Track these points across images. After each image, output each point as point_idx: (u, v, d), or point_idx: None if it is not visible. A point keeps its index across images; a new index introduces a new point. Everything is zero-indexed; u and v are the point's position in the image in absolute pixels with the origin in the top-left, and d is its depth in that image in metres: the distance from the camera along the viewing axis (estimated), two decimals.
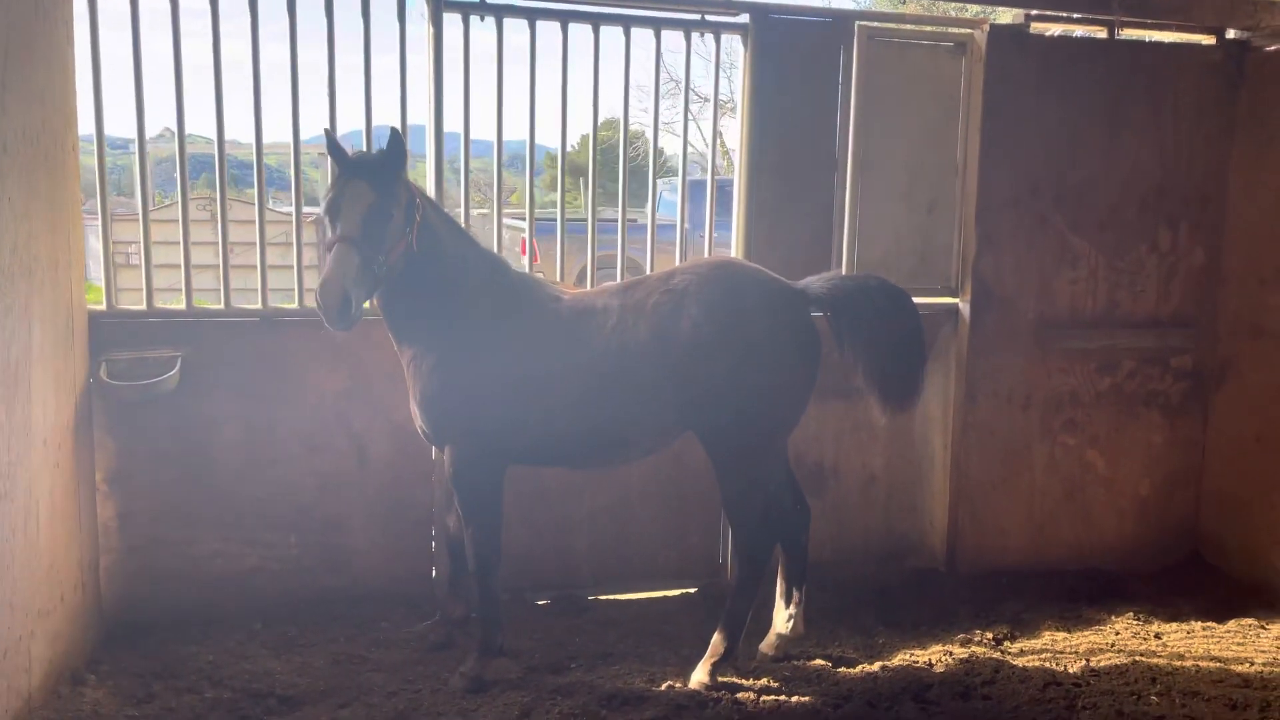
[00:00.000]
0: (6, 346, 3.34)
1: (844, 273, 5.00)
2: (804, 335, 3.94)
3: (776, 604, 4.34)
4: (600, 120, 4.96)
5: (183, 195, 4.43)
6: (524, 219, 5.27)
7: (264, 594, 4.60)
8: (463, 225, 4.25)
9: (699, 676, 3.97)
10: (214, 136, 4.51)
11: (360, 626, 4.52)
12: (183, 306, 4.50)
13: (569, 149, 5.04)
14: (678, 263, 4.95)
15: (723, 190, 5.48)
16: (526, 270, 4.49)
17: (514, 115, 4.80)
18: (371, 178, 3.67)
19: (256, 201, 4.62)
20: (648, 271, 4.93)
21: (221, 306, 4.52)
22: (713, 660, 3.99)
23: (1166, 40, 5.35)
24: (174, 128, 4.40)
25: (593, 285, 4.75)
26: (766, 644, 4.33)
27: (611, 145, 4.91)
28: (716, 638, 4.04)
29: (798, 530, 4.27)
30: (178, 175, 4.39)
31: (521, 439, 3.97)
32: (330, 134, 3.96)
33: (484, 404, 3.90)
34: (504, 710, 3.72)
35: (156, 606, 4.46)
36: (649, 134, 4.63)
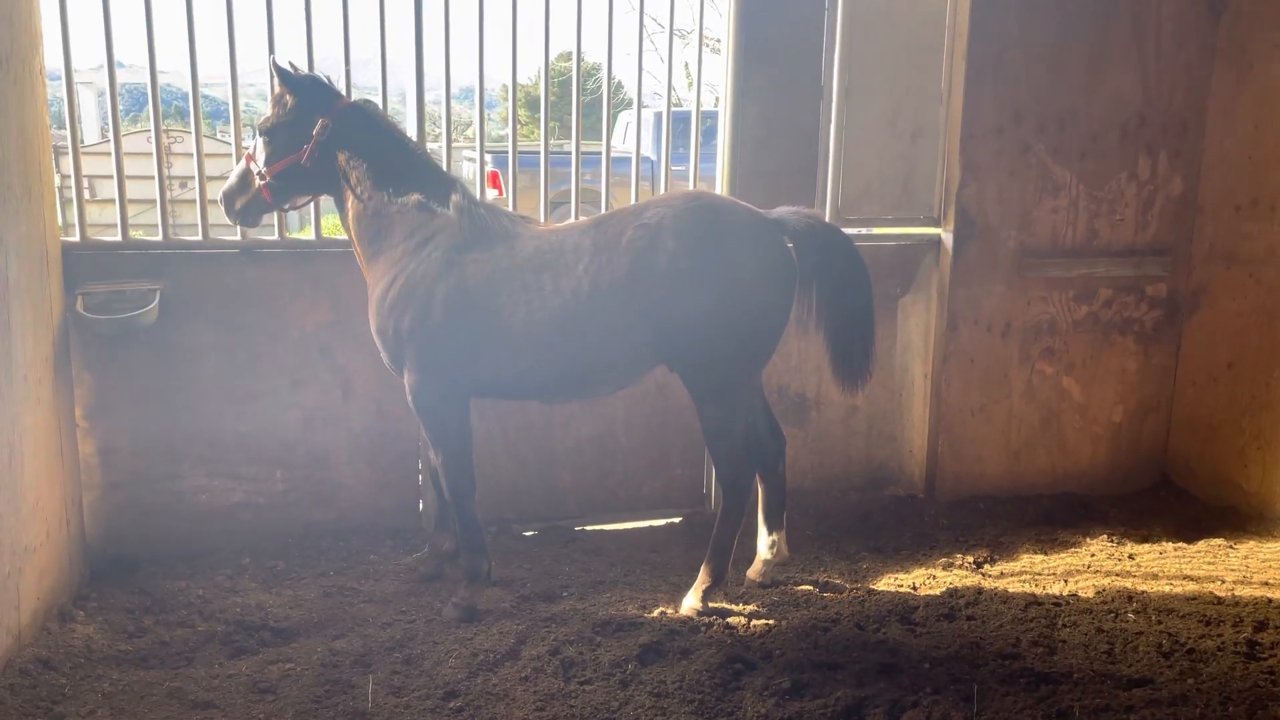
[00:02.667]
0: None
1: (830, 214, 5.01)
2: (780, 265, 3.89)
3: (759, 531, 4.40)
4: (556, 54, 4.84)
5: (155, 125, 4.29)
6: (493, 151, 5.15)
7: (250, 529, 4.58)
8: (426, 154, 4.17)
9: (690, 603, 4.03)
10: (165, 67, 4.35)
11: (349, 559, 4.53)
12: (159, 238, 4.38)
13: (524, 82, 4.91)
14: (634, 196, 4.97)
15: (681, 121, 5.41)
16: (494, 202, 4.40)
17: (466, 46, 4.69)
18: (272, 101, 4.02)
19: (233, 132, 4.49)
20: (604, 204, 4.90)
21: (200, 238, 4.42)
22: (703, 587, 4.05)
23: None
24: (127, 60, 4.23)
25: (545, 218, 4.71)
26: (753, 570, 4.40)
27: (569, 78, 4.77)
28: (705, 566, 4.09)
29: (774, 458, 4.30)
30: (151, 107, 4.24)
31: (482, 372, 3.95)
32: (271, 59, 4.04)
33: (436, 335, 3.86)
34: (499, 638, 3.76)
35: (141, 542, 4.43)
36: (605, 66, 4.51)
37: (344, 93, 4.19)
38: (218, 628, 3.86)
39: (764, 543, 4.37)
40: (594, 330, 3.82)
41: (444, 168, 4.28)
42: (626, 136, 14.06)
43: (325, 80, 4.06)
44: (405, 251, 3.92)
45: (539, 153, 4.91)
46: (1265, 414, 5.14)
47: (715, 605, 4.03)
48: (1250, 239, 5.17)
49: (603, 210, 4.86)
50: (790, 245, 3.93)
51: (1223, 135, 5.28)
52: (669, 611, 4.04)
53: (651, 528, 5.12)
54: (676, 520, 5.17)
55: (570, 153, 4.97)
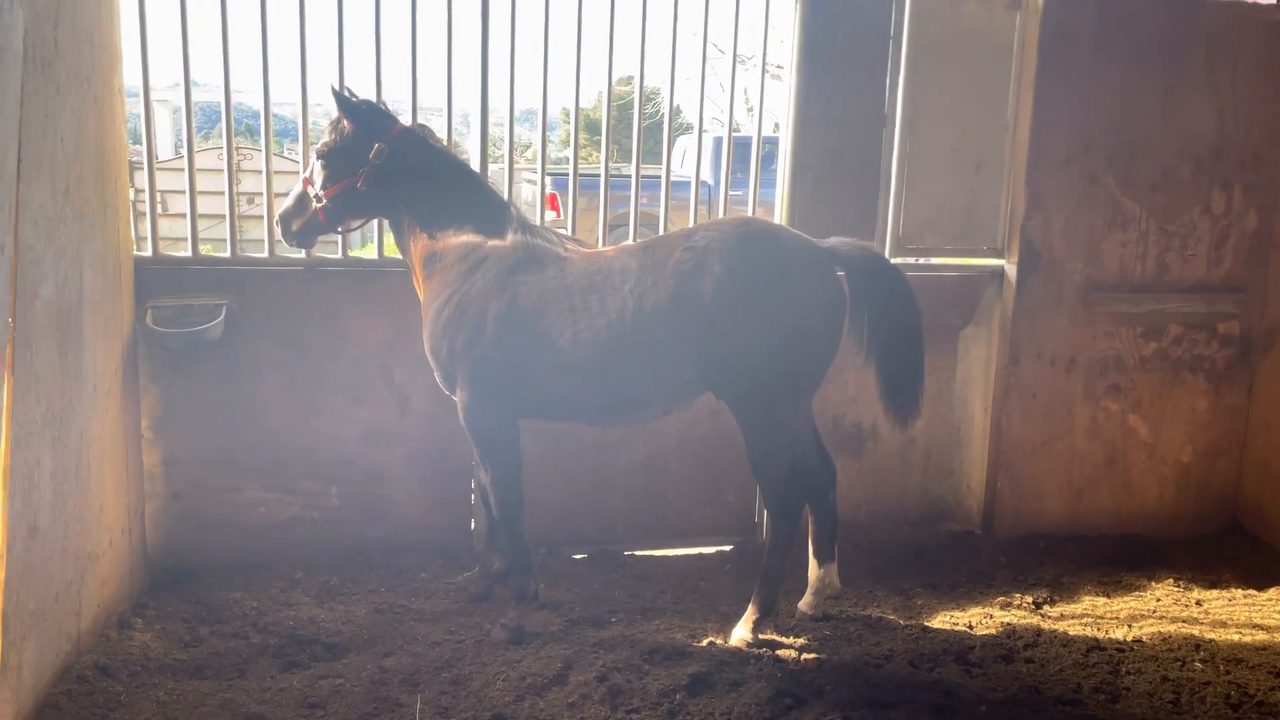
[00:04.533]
0: (59, 291, 3.34)
1: (890, 244, 4.97)
2: (830, 295, 3.84)
3: (810, 563, 4.33)
4: (617, 77, 4.87)
5: (228, 144, 4.39)
6: (553, 174, 5.17)
7: (305, 543, 4.63)
8: (481, 177, 4.23)
9: (740, 634, 3.97)
10: (237, 86, 4.46)
11: (400, 576, 4.55)
12: (228, 255, 4.48)
13: (587, 105, 4.94)
14: (692, 220, 4.96)
15: (740, 146, 5.40)
16: (547, 224, 4.43)
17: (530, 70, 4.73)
18: (330, 125, 4.09)
19: (300, 153, 4.57)
20: (662, 228, 4.89)
21: (266, 255, 4.51)
22: (753, 619, 4.00)
23: None
24: (201, 79, 4.36)
25: (605, 241, 4.73)
26: (804, 603, 4.33)
27: (630, 101, 4.78)
28: (755, 596, 4.03)
29: (824, 488, 4.22)
30: (224, 125, 4.34)
31: (531, 393, 3.95)
32: (334, 88, 4.11)
33: (488, 355, 3.88)
34: (547, 662, 3.74)
35: (199, 553, 4.50)
36: (666, 89, 4.54)
37: (411, 115, 4.25)
38: (270, 640, 3.90)
39: (815, 575, 4.30)
40: (638, 353, 3.80)
41: (498, 190, 4.31)
42: (684, 161, 14.14)
43: (382, 106, 4.14)
44: (459, 273, 3.96)
45: (599, 175, 4.94)
46: None
47: (765, 637, 3.98)
48: None
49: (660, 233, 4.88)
50: (841, 275, 3.90)
51: None
52: (718, 642, 3.99)
53: (701, 555, 5.07)
54: (727, 548, 5.11)
55: (629, 176, 4.99)
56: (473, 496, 4.84)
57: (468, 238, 4.00)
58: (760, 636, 3.96)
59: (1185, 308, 5.22)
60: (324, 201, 4.06)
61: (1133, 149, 5.05)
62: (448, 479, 4.81)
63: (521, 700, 3.49)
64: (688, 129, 12.79)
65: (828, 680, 3.65)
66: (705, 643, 3.97)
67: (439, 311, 3.96)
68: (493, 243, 3.98)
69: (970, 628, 4.23)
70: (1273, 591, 4.70)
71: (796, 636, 4.09)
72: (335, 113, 4.05)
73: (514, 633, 3.96)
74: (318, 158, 4.07)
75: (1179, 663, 3.90)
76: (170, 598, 4.24)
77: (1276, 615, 4.43)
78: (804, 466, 4.10)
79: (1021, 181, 5.01)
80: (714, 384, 3.91)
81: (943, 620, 4.30)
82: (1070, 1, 4.87)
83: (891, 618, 4.32)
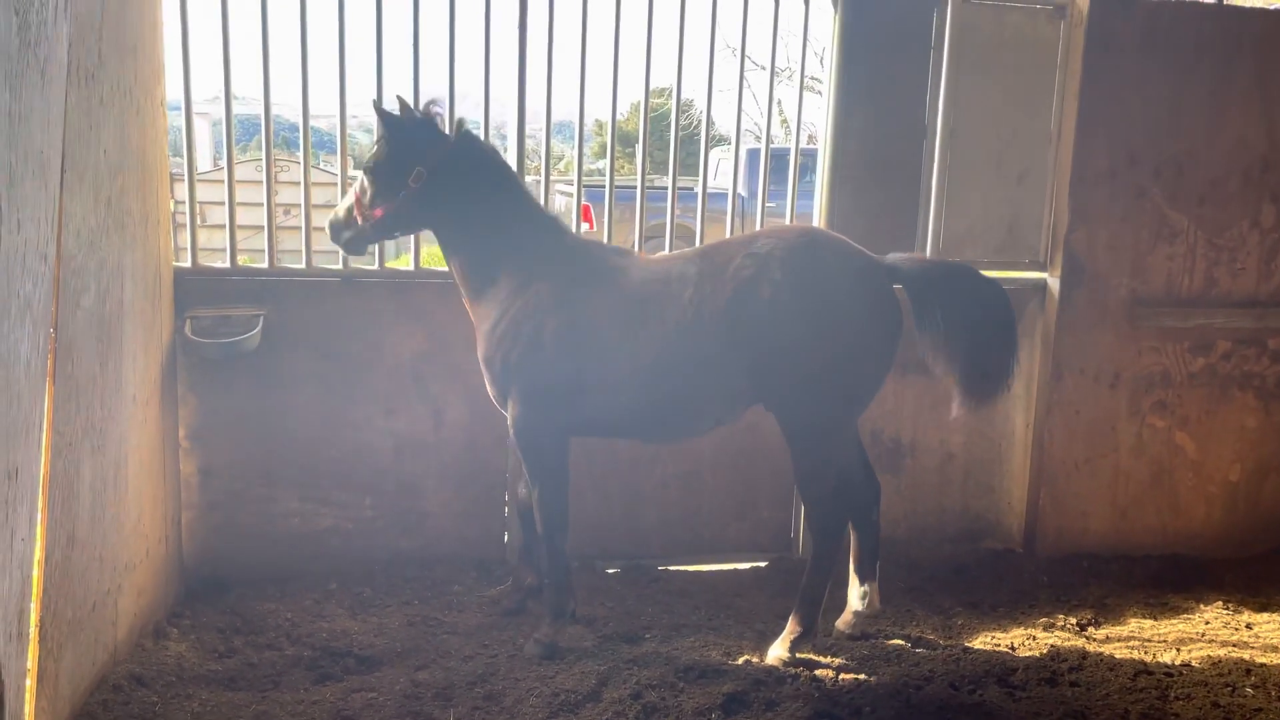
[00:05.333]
0: (100, 301, 3.36)
1: (931, 256, 4.87)
2: (886, 310, 3.79)
3: (850, 581, 4.26)
4: (652, 89, 4.83)
5: (266, 156, 4.42)
6: (588, 185, 5.15)
7: (339, 554, 4.63)
8: (528, 192, 4.16)
9: (777, 652, 3.91)
10: (276, 100, 4.48)
11: (433, 589, 4.53)
12: (265, 265, 4.50)
13: (620, 117, 4.91)
14: (728, 232, 4.92)
15: (776, 158, 5.36)
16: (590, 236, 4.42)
17: (568, 82, 4.70)
18: (377, 138, 4.05)
19: (339, 164, 4.60)
20: (699, 240, 4.85)
21: (303, 266, 4.52)
22: (791, 637, 3.93)
23: (1274, 6, 5.08)
24: (241, 93, 4.39)
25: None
26: (843, 621, 4.26)
27: (664, 113, 4.75)
28: (794, 614, 3.97)
29: (869, 505, 4.17)
30: (263, 137, 4.37)
31: (584, 409, 3.90)
32: (374, 102, 4.17)
33: (544, 369, 3.84)
34: (581, 678, 3.69)
35: (234, 563, 4.51)
36: (700, 101, 4.49)
37: (448, 129, 4.24)
38: (304, 652, 3.89)
39: (855, 593, 4.23)
40: (694, 362, 3.75)
41: (546, 205, 4.29)
42: (718, 173, 14.12)
43: (426, 118, 3.99)
44: (512, 288, 3.91)
45: (634, 187, 4.91)
46: None
47: (803, 656, 3.91)
48: None
49: (698, 243, 4.84)
50: (899, 290, 3.83)
51: None
52: (754, 660, 3.92)
53: (736, 571, 5.01)
54: (762, 564, 5.05)
55: (664, 188, 4.95)
56: (506, 509, 4.82)
57: (519, 252, 3.95)
58: (798, 655, 3.89)
59: (1234, 323, 5.10)
60: (372, 215, 3.99)
61: (1179, 161, 4.95)
62: (482, 491, 4.79)
63: (555, 717, 3.45)
64: (723, 141, 12.81)
65: (866, 701, 3.58)
66: (741, 661, 3.91)
67: (494, 326, 3.92)
68: (545, 256, 3.94)
69: (1013, 649, 4.14)
70: None
71: (834, 656, 4.02)
72: (381, 128, 3.97)
73: (547, 648, 3.93)
74: (365, 172, 4.01)
75: (1229, 688, 3.78)
76: (205, 608, 4.25)
77: None
78: (849, 483, 4.03)
79: (1065, 193, 4.92)
80: (764, 395, 3.85)
81: (984, 641, 4.21)
82: (1116, 10, 4.79)
83: (931, 637, 4.24)
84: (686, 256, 3.92)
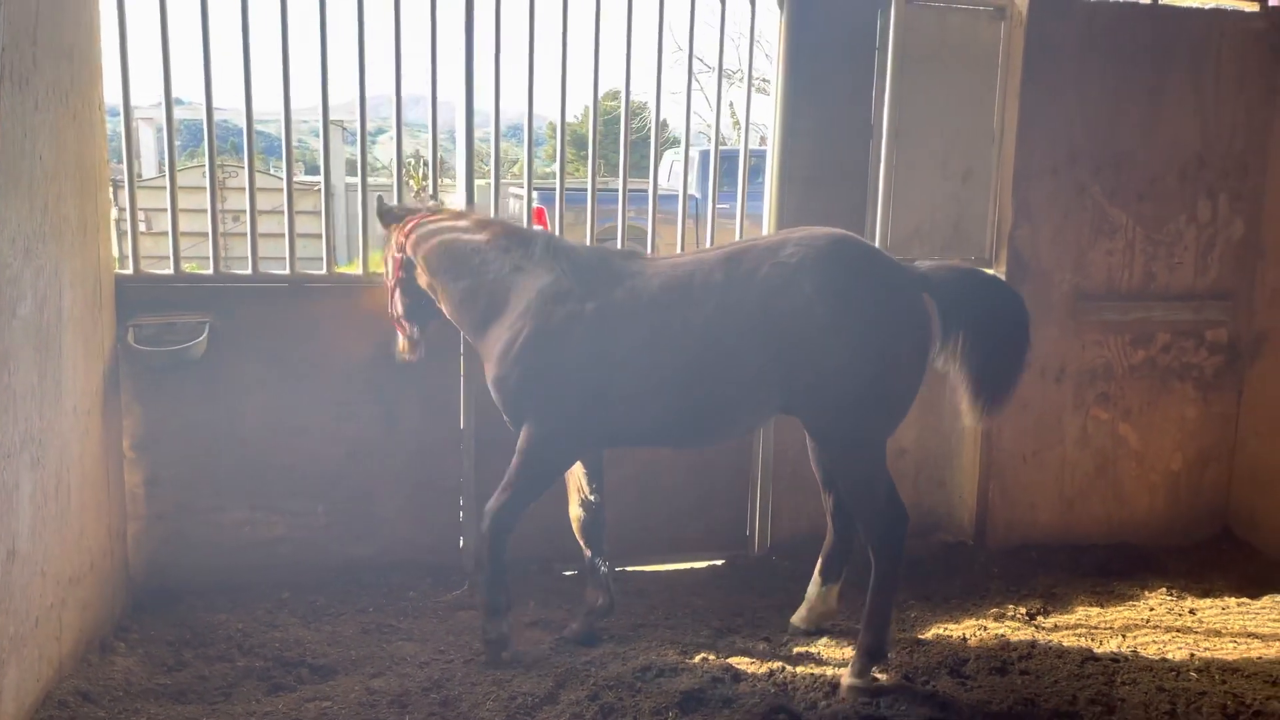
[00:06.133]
0: (38, 310, 3.29)
1: (958, 262, 4.81)
2: (918, 319, 3.68)
3: (814, 577, 4.24)
4: (604, 92, 4.85)
5: (210, 161, 4.35)
6: (540, 188, 5.13)
7: (291, 562, 4.57)
8: (501, 224, 4.12)
9: (850, 681, 3.67)
10: (223, 104, 4.42)
11: (388, 596, 4.50)
12: (210, 272, 4.43)
13: (574, 119, 4.91)
14: (679, 233, 4.98)
15: (726, 159, 5.39)
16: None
17: (516, 85, 4.71)
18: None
19: (284, 168, 4.54)
20: (649, 241, 4.86)
21: (249, 273, 4.46)
22: (863, 661, 3.71)
23: (1208, 6, 5.22)
24: (187, 97, 4.32)
25: None
26: (798, 616, 4.28)
27: (619, 115, 4.77)
28: (862, 639, 3.73)
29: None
30: (206, 142, 4.30)
31: (609, 421, 3.79)
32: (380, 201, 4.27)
33: (558, 383, 3.74)
34: (538, 681, 3.69)
35: (183, 574, 4.44)
36: (652, 105, 4.50)
37: (396, 133, 4.21)
38: (256, 663, 3.84)
39: (815, 590, 4.22)
40: (726, 372, 3.65)
41: (516, 227, 4.14)
42: (671, 174, 14.16)
43: (395, 209, 4.23)
44: (521, 310, 3.81)
45: (585, 190, 4.91)
46: None
47: (872, 678, 3.71)
48: None
49: (647, 248, 4.85)
50: (930, 300, 3.72)
51: None
52: (711, 658, 3.94)
53: (693, 570, 5.03)
54: (719, 562, 5.08)
55: (616, 190, 4.96)
56: (461, 514, 4.79)
57: (514, 281, 3.89)
58: (871, 678, 3.69)
59: (1173, 316, 5.23)
60: (404, 327, 4.28)
61: (1119, 158, 5.06)
62: (437, 497, 4.76)
63: None
64: (675, 143, 12.84)
65: (821, 695, 3.62)
66: (698, 659, 3.92)
67: (506, 348, 3.81)
68: (544, 275, 3.84)
69: (964, 640, 4.20)
70: (1266, 599, 4.68)
71: (790, 651, 4.05)
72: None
73: (492, 645, 3.87)
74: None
75: (1174, 673, 3.87)
76: (153, 621, 4.17)
77: (1270, 623, 4.41)
78: (896, 497, 3.88)
79: (1009, 191, 5.01)
80: (797, 408, 3.74)
81: (937, 632, 4.27)
82: (1055, 11, 4.89)
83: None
84: (710, 262, 3.75)
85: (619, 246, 4.57)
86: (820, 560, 4.21)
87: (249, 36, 4.25)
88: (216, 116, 4.37)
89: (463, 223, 4.09)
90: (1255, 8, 5.16)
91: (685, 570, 5.03)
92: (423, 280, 4.11)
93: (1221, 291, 5.28)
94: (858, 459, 3.71)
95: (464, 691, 3.64)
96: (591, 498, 4.13)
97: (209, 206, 4.38)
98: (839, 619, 4.37)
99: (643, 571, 4.96)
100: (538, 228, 4.21)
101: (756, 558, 5.11)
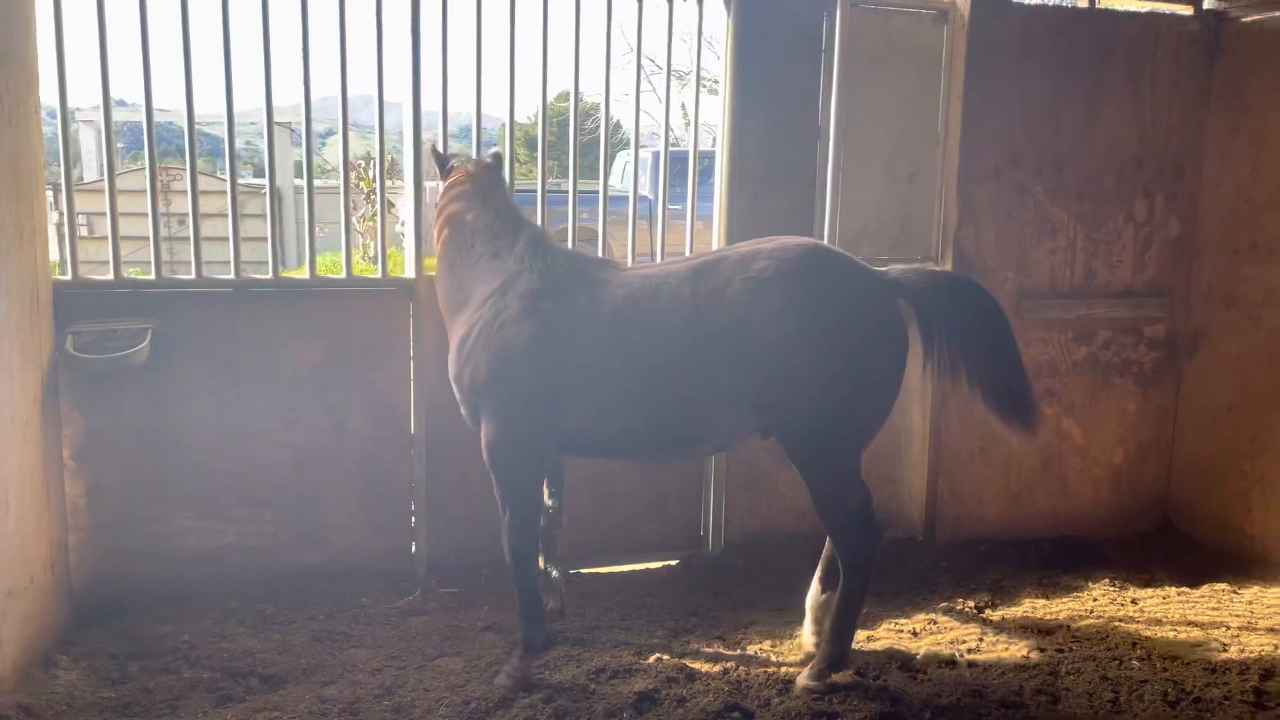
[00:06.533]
0: None
1: (935, 266, 4.92)
2: (893, 331, 3.61)
3: (813, 585, 4.05)
4: (557, 93, 4.85)
5: (150, 163, 4.27)
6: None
7: (240, 571, 4.50)
8: (504, 203, 4.09)
9: (805, 682, 3.67)
10: (166, 106, 4.35)
11: (340, 603, 4.45)
12: (152, 277, 4.35)
13: (523, 121, 4.92)
14: (630, 234, 4.98)
15: (679, 161, 5.43)
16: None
17: (464, 84, 4.70)
18: None
19: (228, 170, 4.47)
20: (600, 243, 4.87)
21: (193, 277, 4.39)
22: (821, 666, 3.70)
23: (1144, 9, 5.35)
24: (131, 99, 4.24)
25: None
26: (806, 634, 4.03)
27: (568, 118, 4.77)
28: (825, 648, 3.73)
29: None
30: (146, 145, 4.23)
31: (566, 428, 3.72)
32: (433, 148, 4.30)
33: (513, 387, 3.68)
34: (492, 685, 3.67)
35: (128, 586, 4.35)
36: (611, 106, 4.52)
37: (342, 133, 4.17)
38: (203, 674, 3.77)
39: (815, 599, 4.03)
40: (690, 389, 3.57)
41: (519, 214, 4.09)
42: (624, 176, 14.17)
43: (439, 153, 4.26)
44: (480, 301, 3.81)
45: (536, 191, 4.91)
46: (1267, 457, 5.09)
47: (832, 681, 3.68)
48: (1249, 281, 5.16)
49: (599, 248, 4.86)
50: (904, 306, 3.66)
51: (1219, 178, 5.29)
52: (665, 658, 3.96)
53: (648, 570, 5.04)
54: (674, 563, 5.09)
55: (567, 191, 4.96)
56: (413, 519, 4.76)
57: (491, 265, 3.86)
58: (828, 682, 3.68)
59: (1113, 313, 5.35)
60: None
61: (1059, 159, 5.17)
62: (388, 502, 4.72)
63: None
64: (627, 144, 12.85)
65: (774, 692, 3.64)
66: (652, 659, 3.94)
67: (462, 341, 3.80)
68: (517, 268, 3.81)
69: (915, 634, 4.26)
70: (1205, 589, 4.80)
71: (742, 648, 4.08)
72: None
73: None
74: None
75: (1117, 661, 3.96)
76: (98, 633, 4.08)
77: (1210, 612, 4.53)
78: (870, 510, 3.81)
79: (953, 192, 5.09)
80: (771, 426, 3.66)
81: (888, 627, 4.33)
82: (995, 15, 4.98)
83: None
84: (678, 275, 3.66)
85: (599, 254, 4.54)
86: (819, 568, 4.06)
87: (189, 37, 4.18)
88: (161, 119, 4.30)
89: (476, 193, 4.04)
90: (1190, 11, 5.30)
91: (640, 571, 5.04)
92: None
93: (1159, 289, 5.41)
94: (832, 475, 3.65)
95: (417, 697, 3.61)
96: (549, 503, 4.11)
97: (149, 210, 4.29)
98: (792, 615, 4.40)
99: (598, 573, 4.96)
100: (532, 222, 4.10)
101: (711, 557, 5.13)
